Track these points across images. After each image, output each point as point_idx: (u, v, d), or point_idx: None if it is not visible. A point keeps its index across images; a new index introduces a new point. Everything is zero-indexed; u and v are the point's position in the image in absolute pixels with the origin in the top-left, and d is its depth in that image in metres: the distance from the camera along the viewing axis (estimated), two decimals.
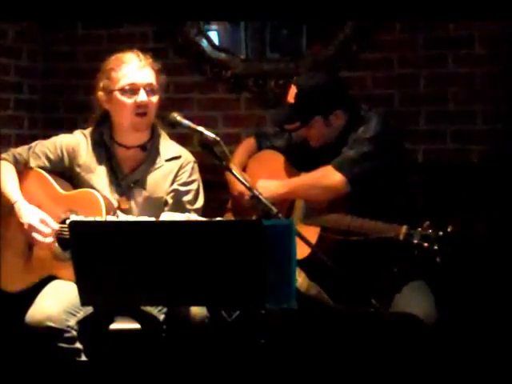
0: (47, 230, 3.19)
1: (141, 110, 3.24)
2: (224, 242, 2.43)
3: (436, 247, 3.07)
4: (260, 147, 3.76)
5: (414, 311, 3.16)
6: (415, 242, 3.11)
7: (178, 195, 3.29)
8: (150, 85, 3.25)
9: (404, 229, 3.16)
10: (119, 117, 3.30)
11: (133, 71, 3.24)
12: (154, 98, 3.27)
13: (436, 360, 3.18)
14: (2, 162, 3.33)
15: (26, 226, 3.20)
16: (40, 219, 3.20)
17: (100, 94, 3.30)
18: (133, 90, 3.23)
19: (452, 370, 3.34)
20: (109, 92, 3.27)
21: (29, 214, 3.22)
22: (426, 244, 3.09)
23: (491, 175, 3.96)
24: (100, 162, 3.34)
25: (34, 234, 3.19)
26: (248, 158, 3.75)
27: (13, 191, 3.29)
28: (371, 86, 4.21)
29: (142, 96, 3.23)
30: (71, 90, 4.60)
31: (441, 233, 3.09)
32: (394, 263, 3.20)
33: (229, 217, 3.70)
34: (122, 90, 3.24)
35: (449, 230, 3.09)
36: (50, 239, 3.18)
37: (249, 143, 3.79)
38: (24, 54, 4.53)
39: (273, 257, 2.39)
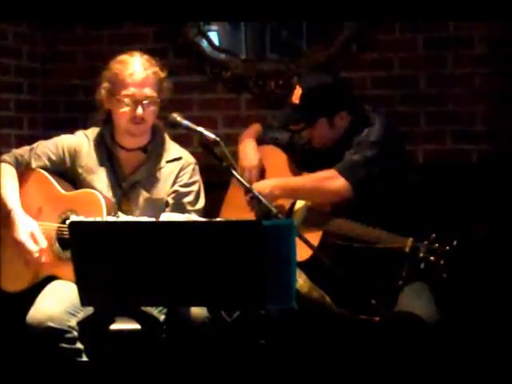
0: (35, 248, 3.17)
1: (137, 121, 3.24)
2: (224, 243, 2.43)
3: (442, 262, 3.05)
4: (265, 134, 3.73)
5: (415, 310, 3.16)
6: (421, 255, 3.09)
7: (178, 196, 3.29)
8: (151, 97, 3.24)
9: (410, 241, 3.13)
10: (117, 120, 3.30)
11: (134, 84, 3.21)
12: (153, 108, 3.25)
13: (437, 360, 3.17)
14: (3, 165, 3.32)
15: (16, 241, 3.20)
16: (30, 233, 3.18)
17: (103, 92, 3.29)
18: (132, 101, 3.22)
19: (453, 370, 3.34)
20: (110, 95, 3.27)
21: (21, 227, 3.20)
22: (432, 258, 3.07)
23: (491, 175, 3.96)
24: (101, 162, 3.33)
25: (24, 252, 3.18)
26: (256, 137, 3.72)
27: (10, 197, 3.27)
28: (371, 87, 4.21)
29: (139, 110, 3.22)
30: (71, 91, 4.60)
31: (447, 247, 3.06)
32: (397, 275, 3.18)
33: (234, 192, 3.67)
34: (122, 100, 3.23)
35: (454, 244, 3.06)
36: (40, 256, 3.17)
37: (256, 127, 3.75)
38: (24, 54, 4.52)
39: (273, 257, 2.39)
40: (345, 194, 3.31)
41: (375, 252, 3.22)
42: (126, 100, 3.22)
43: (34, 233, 3.19)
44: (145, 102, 3.22)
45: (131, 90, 3.22)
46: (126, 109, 3.22)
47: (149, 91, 3.24)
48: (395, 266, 3.18)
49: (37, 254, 3.17)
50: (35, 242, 3.18)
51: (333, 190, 3.32)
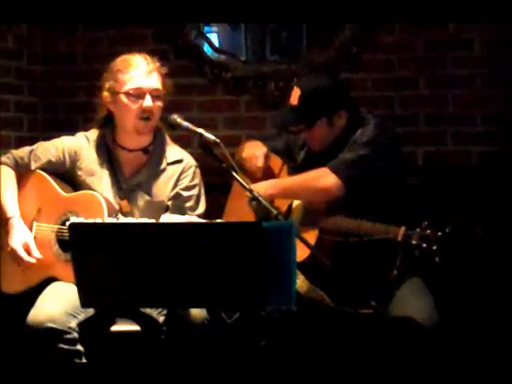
0: (27, 258, 3.18)
1: (145, 115, 3.23)
2: (224, 244, 2.43)
3: (435, 247, 3.07)
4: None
5: (413, 313, 3.16)
6: (414, 242, 3.11)
7: (179, 201, 3.28)
8: (156, 90, 3.24)
9: (402, 230, 3.15)
10: (123, 119, 3.28)
11: (139, 75, 3.23)
12: (159, 103, 3.26)
13: (436, 362, 3.17)
14: (2, 167, 3.31)
15: (9, 248, 3.21)
16: (24, 244, 3.19)
17: (105, 94, 3.28)
18: (138, 94, 3.22)
19: (453, 372, 3.34)
20: (114, 94, 3.26)
21: (16, 236, 3.21)
22: (424, 245, 3.09)
23: (491, 177, 3.96)
24: (102, 164, 3.32)
25: (16, 258, 3.19)
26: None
27: (10, 204, 3.26)
28: (371, 88, 4.21)
29: (147, 101, 3.22)
30: (71, 92, 4.60)
31: (439, 233, 3.08)
32: (392, 265, 3.19)
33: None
34: (128, 94, 3.22)
35: (447, 230, 3.08)
36: (32, 259, 3.18)
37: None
38: (24, 56, 4.53)
39: (273, 258, 2.39)
40: (336, 191, 3.31)
41: (371, 247, 3.22)
42: (133, 92, 3.21)
43: (27, 243, 3.20)
44: (151, 93, 3.22)
45: (137, 83, 3.22)
46: (135, 105, 3.22)
47: (154, 83, 3.24)
48: (392, 259, 3.19)
49: (28, 262, 3.18)
50: (28, 252, 3.18)
51: (324, 188, 3.32)
